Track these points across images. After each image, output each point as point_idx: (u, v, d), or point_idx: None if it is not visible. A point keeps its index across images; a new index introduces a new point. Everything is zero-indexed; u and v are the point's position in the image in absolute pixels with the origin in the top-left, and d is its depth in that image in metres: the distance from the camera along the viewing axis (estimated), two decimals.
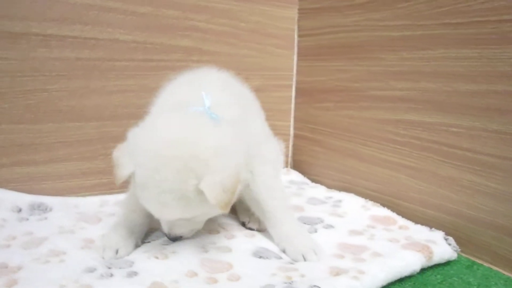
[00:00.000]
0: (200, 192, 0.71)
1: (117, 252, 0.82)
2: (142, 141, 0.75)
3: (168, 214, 0.77)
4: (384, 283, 0.75)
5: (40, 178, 1.10)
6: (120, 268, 0.77)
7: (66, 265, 0.76)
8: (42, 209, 1.02)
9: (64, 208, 1.04)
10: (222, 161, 0.72)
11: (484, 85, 0.89)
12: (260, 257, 0.84)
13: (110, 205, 1.10)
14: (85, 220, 0.98)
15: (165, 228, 0.81)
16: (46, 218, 0.98)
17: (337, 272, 0.76)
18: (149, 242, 0.89)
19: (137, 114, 1.13)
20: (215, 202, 0.70)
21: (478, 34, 0.89)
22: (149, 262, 0.79)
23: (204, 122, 0.76)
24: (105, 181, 1.17)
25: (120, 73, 1.14)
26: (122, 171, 0.75)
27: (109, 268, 0.76)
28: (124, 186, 1.11)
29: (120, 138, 1.13)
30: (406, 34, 1.05)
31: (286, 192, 1.05)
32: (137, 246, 0.86)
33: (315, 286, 0.69)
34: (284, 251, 0.86)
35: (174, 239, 0.83)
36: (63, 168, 1.12)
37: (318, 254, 0.84)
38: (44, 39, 1.04)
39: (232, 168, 0.73)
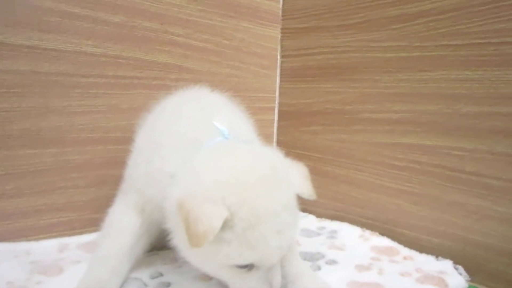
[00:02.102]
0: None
1: None
2: (230, 178, 0.64)
3: (287, 238, 0.66)
4: None
5: None
6: None
7: None
8: None
9: (12, 257, 0.84)
10: None
11: (487, 107, 0.89)
12: None
13: (72, 249, 0.91)
14: (41, 271, 0.79)
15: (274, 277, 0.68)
16: None
17: None
18: None
19: (105, 139, 1.03)
20: (311, 193, 0.71)
21: (479, 56, 0.89)
22: None
23: (254, 145, 0.76)
24: (64, 220, 0.99)
25: (86, 91, 0.99)
26: (215, 221, 0.59)
27: None
28: (89, 225, 1.00)
29: (84, 167, 1.00)
30: (402, 56, 1.03)
31: None
32: None
33: None
34: None
35: None
36: (12, 206, 0.93)
37: None
38: None
39: None
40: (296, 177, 0.71)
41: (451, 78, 0.94)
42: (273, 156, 0.71)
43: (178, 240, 0.67)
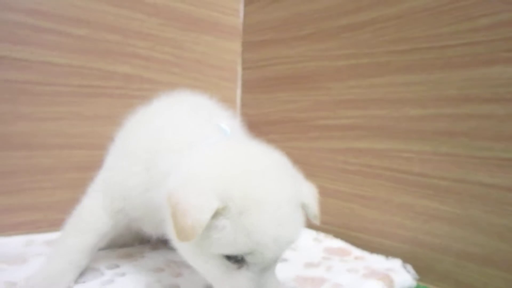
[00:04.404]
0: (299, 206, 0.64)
1: None
2: (230, 169, 0.61)
3: (286, 234, 0.60)
4: None
5: None
6: None
7: None
8: None
9: None
10: None
11: (432, 109, 0.90)
12: None
13: (38, 245, 0.95)
14: (5, 261, 0.83)
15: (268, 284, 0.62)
16: None
17: None
18: (84, 282, 0.76)
19: (69, 144, 1.07)
20: (317, 215, 0.68)
21: (423, 60, 0.92)
22: None
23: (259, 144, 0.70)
24: (31, 219, 1.03)
25: (52, 99, 1.04)
26: (204, 214, 0.56)
27: None
28: (54, 224, 1.02)
29: (50, 170, 1.05)
30: (352, 63, 1.06)
31: None
32: None
33: None
34: None
35: None
36: None
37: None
38: None
39: None
40: (305, 192, 0.67)
41: (397, 83, 0.96)
42: (280, 157, 0.67)
43: (169, 232, 0.65)
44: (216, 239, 0.57)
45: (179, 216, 0.55)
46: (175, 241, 0.64)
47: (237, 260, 0.60)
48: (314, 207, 0.67)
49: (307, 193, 0.67)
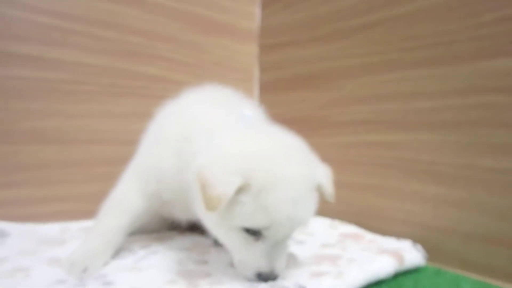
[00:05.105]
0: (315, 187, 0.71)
1: (85, 269, 0.73)
2: (254, 150, 0.68)
3: (300, 212, 0.68)
4: (364, 284, 0.74)
5: None
6: (92, 280, 0.70)
7: (33, 280, 0.69)
8: None
9: (23, 233, 0.95)
10: None
11: (439, 101, 0.95)
12: None
13: (73, 231, 1.02)
14: (47, 243, 0.90)
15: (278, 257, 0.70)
16: (2, 243, 0.88)
17: (318, 274, 0.75)
18: (120, 259, 0.82)
19: (98, 139, 1.14)
20: (332, 193, 0.74)
21: (431, 55, 0.97)
22: (124, 274, 0.73)
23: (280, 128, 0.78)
24: (65, 209, 1.10)
25: (82, 97, 1.11)
26: (229, 187, 0.63)
27: (81, 280, 0.70)
28: (86, 214, 1.08)
29: (80, 163, 1.11)
30: (364, 61, 1.11)
31: None
32: (106, 264, 0.78)
33: (300, 285, 0.67)
34: None
35: (274, 276, 0.70)
36: (20, 194, 1.04)
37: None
38: (4, 57, 1.00)
39: None
40: (321, 173, 0.74)
41: (407, 78, 1.01)
42: (300, 140, 0.74)
43: (197, 205, 0.72)
44: (237, 213, 0.65)
45: (207, 188, 0.63)
46: (202, 213, 0.72)
47: (254, 233, 0.68)
48: (329, 186, 0.75)
49: (323, 174, 0.74)
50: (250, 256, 0.69)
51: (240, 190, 0.63)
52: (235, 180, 0.63)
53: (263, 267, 0.69)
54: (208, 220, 0.71)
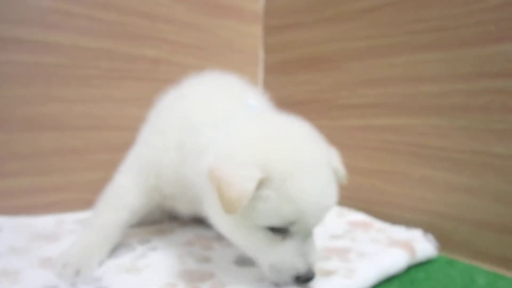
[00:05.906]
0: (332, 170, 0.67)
1: (78, 271, 0.69)
2: (267, 140, 0.63)
3: (327, 197, 0.64)
4: (375, 281, 0.72)
5: None
6: (86, 285, 0.67)
7: (21, 286, 0.65)
8: None
9: (15, 227, 0.90)
10: None
11: (447, 86, 0.93)
12: (243, 264, 0.77)
13: (68, 223, 0.97)
14: (40, 239, 0.85)
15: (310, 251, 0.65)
16: None
17: (327, 272, 0.72)
18: (117, 256, 0.78)
19: (99, 125, 1.10)
20: (345, 175, 0.71)
21: (438, 39, 0.95)
22: (120, 276, 0.70)
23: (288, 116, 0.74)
24: (63, 199, 1.06)
25: (82, 81, 1.07)
26: (248, 185, 0.57)
27: (73, 285, 0.66)
28: (85, 204, 1.04)
29: (80, 151, 1.08)
30: (371, 44, 1.09)
31: None
32: (101, 263, 0.74)
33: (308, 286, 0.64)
34: None
35: (313, 275, 0.63)
36: (14, 184, 1.00)
37: None
38: None
39: None
40: (333, 156, 0.70)
41: (414, 62, 0.99)
42: (309, 126, 0.70)
43: (210, 207, 0.66)
44: (261, 211, 0.59)
45: (224, 189, 0.57)
46: (215, 217, 0.66)
47: (280, 231, 0.62)
48: (341, 168, 0.71)
49: (334, 156, 0.71)
50: (283, 257, 0.63)
51: (260, 184, 0.58)
52: (254, 174, 0.57)
53: (301, 267, 0.62)
54: (224, 224, 0.65)
